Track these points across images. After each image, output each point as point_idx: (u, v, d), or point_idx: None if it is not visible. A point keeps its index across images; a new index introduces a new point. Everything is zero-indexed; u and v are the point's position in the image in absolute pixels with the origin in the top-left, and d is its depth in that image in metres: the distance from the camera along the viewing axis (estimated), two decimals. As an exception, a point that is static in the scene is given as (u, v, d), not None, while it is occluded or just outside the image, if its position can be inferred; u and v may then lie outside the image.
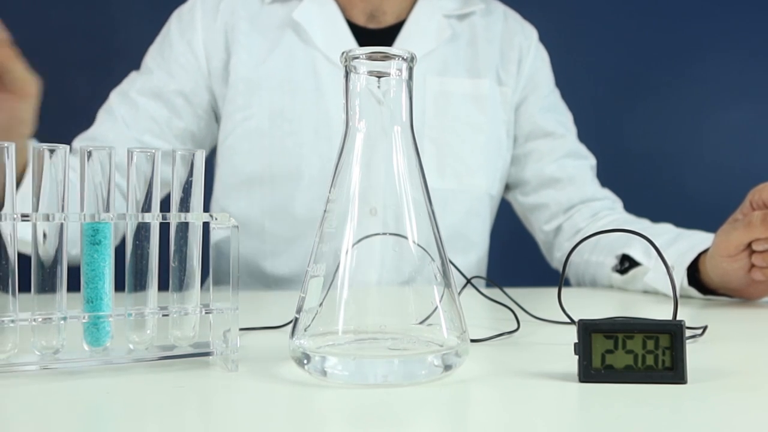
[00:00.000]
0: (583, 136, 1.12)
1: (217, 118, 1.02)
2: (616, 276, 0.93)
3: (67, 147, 0.39)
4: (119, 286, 0.41)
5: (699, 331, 0.53)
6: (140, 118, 0.97)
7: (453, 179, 1.00)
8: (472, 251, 1.05)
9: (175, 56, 0.99)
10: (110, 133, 0.96)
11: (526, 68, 1.07)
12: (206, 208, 1.03)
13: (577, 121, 1.13)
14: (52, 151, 0.38)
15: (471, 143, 1.01)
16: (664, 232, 0.91)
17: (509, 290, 0.70)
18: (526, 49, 1.07)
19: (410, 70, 0.40)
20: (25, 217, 0.37)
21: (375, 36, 1.00)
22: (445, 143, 1.00)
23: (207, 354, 0.42)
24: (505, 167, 1.08)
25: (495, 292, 0.69)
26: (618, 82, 1.78)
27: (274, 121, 0.97)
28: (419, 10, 1.01)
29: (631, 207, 1.10)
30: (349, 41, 0.97)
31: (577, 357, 0.38)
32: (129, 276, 0.40)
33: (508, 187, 1.11)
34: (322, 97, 0.96)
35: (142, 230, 0.40)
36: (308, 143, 0.96)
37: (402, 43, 0.99)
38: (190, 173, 0.41)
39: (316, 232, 0.41)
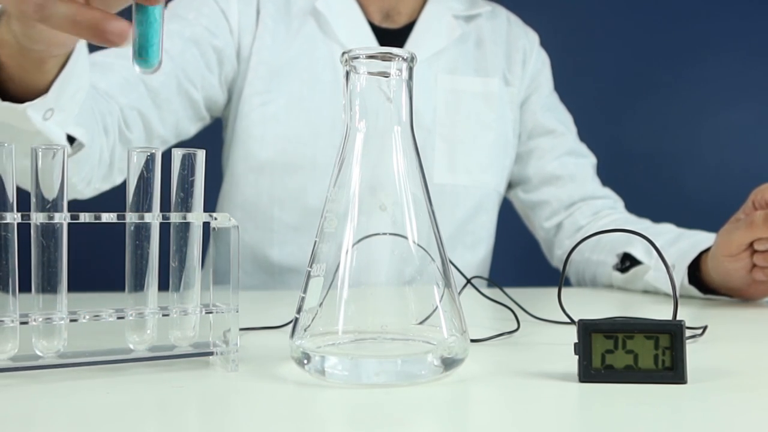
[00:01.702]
0: (584, 136, 1.13)
1: (229, 97, 1.00)
2: (617, 274, 0.93)
3: (66, 146, 0.38)
4: (119, 286, 0.41)
5: (699, 331, 0.53)
6: (179, 53, 0.91)
7: (464, 175, 1.02)
8: (480, 247, 1.06)
9: (211, 15, 0.95)
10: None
11: (530, 69, 1.09)
12: (214, 192, 1.02)
13: (578, 121, 1.13)
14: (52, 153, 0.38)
15: (481, 140, 1.03)
16: (665, 232, 0.92)
17: (509, 290, 0.70)
18: (530, 51, 1.10)
19: (410, 70, 0.40)
20: (25, 216, 0.37)
21: (390, 35, 1.01)
22: (457, 140, 1.01)
23: (207, 354, 0.42)
24: (511, 165, 1.09)
25: (495, 292, 0.69)
26: (618, 82, 1.78)
27: (292, 109, 0.96)
28: (429, 11, 1.03)
29: (631, 207, 1.11)
30: (370, 38, 0.98)
31: (577, 357, 0.38)
32: (129, 276, 0.40)
33: (510, 185, 1.12)
34: (341, 90, 0.96)
35: (142, 230, 0.40)
36: (325, 134, 0.96)
37: (414, 42, 1.00)
38: (191, 173, 0.41)
39: (316, 231, 0.41)
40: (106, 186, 0.81)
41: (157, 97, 0.88)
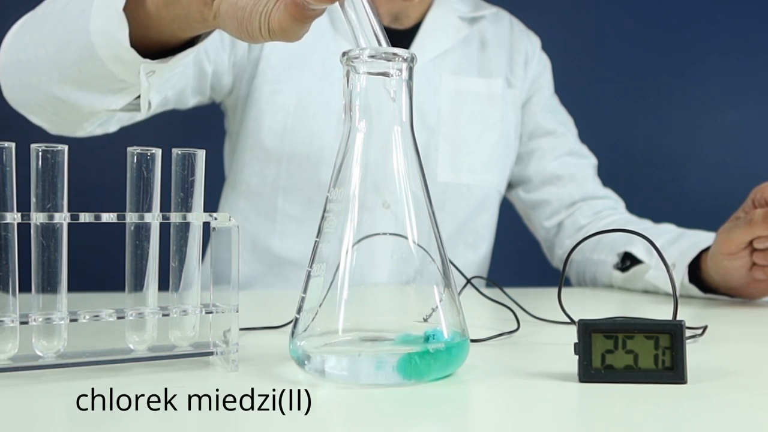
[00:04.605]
0: (585, 137, 1.13)
1: (234, 81, 1.00)
2: (617, 273, 0.93)
3: (66, 147, 0.38)
4: (119, 286, 0.41)
5: (699, 331, 0.53)
6: None
7: (467, 174, 1.02)
8: (482, 246, 1.07)
9: None
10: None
11: (531, 71, 1.10)
12: (214, 192, 1.02)
13: (578, 122, 1.14)
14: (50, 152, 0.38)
15: (485, 140, 1.04)
16: (666, 232, 0.92)
17: (509, 290, 0.70)
18: (531, 54, 1.11)
19: (410, 70, 0.40)
20: (25, 216, 0.37)
21: (396, 36, 1.01)
22: (461, 140, 1.02)
23: (207, 354, 0.42)
24: (512, 165, 1.10)
25: (495, 292, 0.69)
26: (618, 83, 1.78)
27: (301, 101, 0.97)
28: (435, 12, 1.03)
29: (631, 207, 1.11)
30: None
31: (577, 357, 0.38)
32: (129, 276, 0.40)
33: (510, 185, 1.13)
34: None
35: (142, 230, 0.40)
36: (333, 128, 0.96)
37: (420, 43, 1.01)
38: (191, 173, 0.41)
39: (316, 231, 0.41)
40: (99, 131, 0.81)
41: None
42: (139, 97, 0.65)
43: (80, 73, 0.64)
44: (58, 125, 0.75)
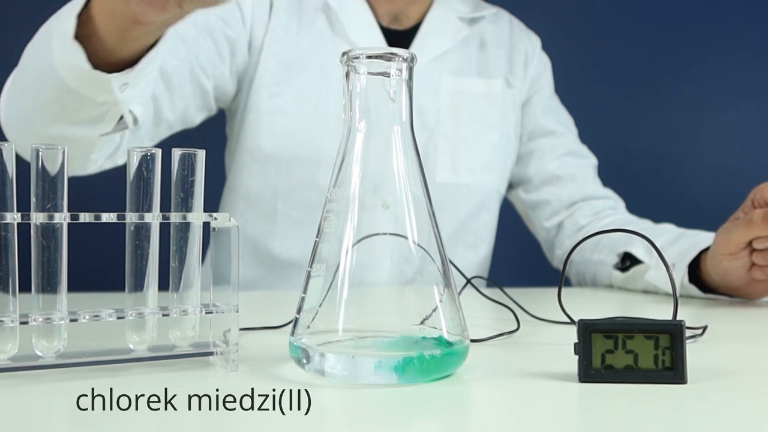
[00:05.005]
0: (585, 137, 1.13)
1: (237, 89, 1.00)
2: (617, 273, 0.93)
3: (65, 147, 0.39)
4: (119, 286, 0.41)
5: (699, 331, 0.53)
6: (193, 39, 0.90)
7: (467, 175, 1.02)
8: (482, 246, 1.07)
9: (225, 4, 0.95)
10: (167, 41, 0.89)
11: (531, 71, 1.10)
12: (215, 192, 1.02)
13: (578, 122, 1.14)
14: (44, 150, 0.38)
15: (484, 140, 1.04)
16: (666, 232, 0.92)
17: (509, 290, 0.70)
18: (531, 54, 1.11)
19: (410, 70, 0.40)
20: (25, 216, 0.37)
21: (396, 36, 1.01)
22: (461, 140, 1.02)
23: (207, 354, 0.42)
24: (512, 166, 1.10)
25: (495, 292, 0.69)
26: (619, 83, 1.78)
27: (300, 103, 0.97)
28: (435, 13, 1.04)
29: (631, 207, 1.11)
30: (378, 38, 0.99)
31: (577, 357, 0.38)
32: (129, 276, 0.40)
33: (510, 185, 1.13)
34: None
35: (142, 230, 0.40)
36: (332, 130, 0.96)
37: (420, 43, 1.01)
38: (191, 173, 0.41)
39: (316, 231, 0.41)
40: (108, 165, 0.81)
41: (170, 81, 0.88)
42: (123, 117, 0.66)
43: (63, 109, 0.65)
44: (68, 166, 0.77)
